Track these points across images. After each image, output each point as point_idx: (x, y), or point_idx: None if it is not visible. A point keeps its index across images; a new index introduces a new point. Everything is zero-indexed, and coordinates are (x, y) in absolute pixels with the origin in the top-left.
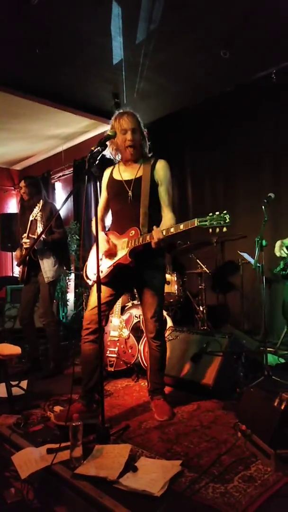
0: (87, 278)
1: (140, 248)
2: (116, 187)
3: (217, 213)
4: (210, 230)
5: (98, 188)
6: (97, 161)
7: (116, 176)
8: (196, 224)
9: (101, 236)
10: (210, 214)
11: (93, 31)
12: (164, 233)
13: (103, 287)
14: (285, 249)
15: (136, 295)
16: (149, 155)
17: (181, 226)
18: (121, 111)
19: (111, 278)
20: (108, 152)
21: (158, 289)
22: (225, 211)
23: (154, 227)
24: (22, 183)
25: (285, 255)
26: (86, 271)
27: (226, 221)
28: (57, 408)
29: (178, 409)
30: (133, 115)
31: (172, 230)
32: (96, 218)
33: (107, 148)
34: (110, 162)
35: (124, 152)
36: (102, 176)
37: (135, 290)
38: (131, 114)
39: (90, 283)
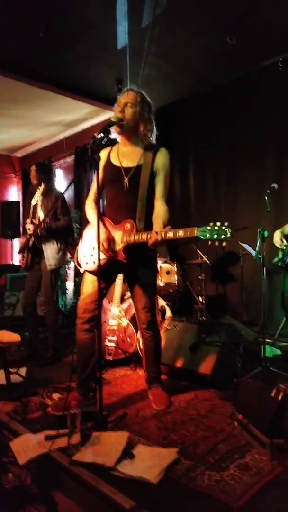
0: (79, 265)
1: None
2: (112, 172)
3: (218, 224)
4: (210, 242)
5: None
6: (100, 148)
7: (114, 160)
8: (195, 234)
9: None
10: (211, 224)
11: (97, 14)
12: (163, 236)
13: (95, 278)
14: (285, 240)
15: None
16: (151, 140)
17: (180, 233)
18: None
19: (103, 270)
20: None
21: (149, 280)
22: (226, 223)
23: (153, 230)
24: (33, 167)
25: (285, 247)
26: (77, 258)
27: (227, 236)
28: (56, 396)
29: (175, 398)
30: (137, 92)
31: (170, 234)
32: (98, 202)
33: (111, 131)
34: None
35: (117, 130)
36: None
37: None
38: (134, 91)
39: (81, 270)
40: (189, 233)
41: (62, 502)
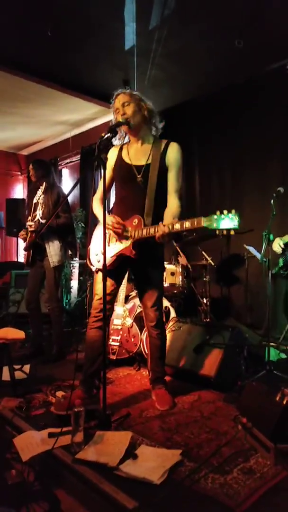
0: (91, 264)
1: (143, 240)
2: (124, 170)
3: (225, 212)
4: (217, 231)
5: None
6: (107, 148)
7: (125, 158)
8: (202, 224)
9: (109, 218)
10: (218, 213)
11: (105, 15)
12: (170, 228)
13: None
14: (281, 243)
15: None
16: (154, 133)
17: (187, 224)
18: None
19: (113, 268)
20: (117, 140)
21: (158, 279)
22: (233, 211)
23: (160, 223)
24: (31, 165)
25: (280, 251)
26: (89, 257)
27: (235, 224)
28: (59, 394)
29: (178, 399)
30: (124, 92)
31: (177, 226)
32: (105, 200)
33: (117, 131)
34: None
35: (127, 132)
36: None
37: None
38: (121, 92)
39: (93, 269)
40: (195, 223)
41: (64, 499)
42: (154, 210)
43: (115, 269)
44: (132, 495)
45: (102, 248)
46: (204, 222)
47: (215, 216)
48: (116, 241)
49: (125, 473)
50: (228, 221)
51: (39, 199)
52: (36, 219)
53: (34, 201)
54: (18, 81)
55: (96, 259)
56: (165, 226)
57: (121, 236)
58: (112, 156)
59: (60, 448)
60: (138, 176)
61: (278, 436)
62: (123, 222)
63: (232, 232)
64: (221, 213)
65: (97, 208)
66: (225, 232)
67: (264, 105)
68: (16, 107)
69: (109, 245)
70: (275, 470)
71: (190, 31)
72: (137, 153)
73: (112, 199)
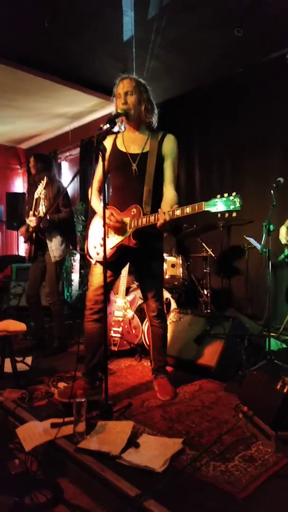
0: (90, 257)
1: (142, 228)
2: (119, 158)
3: (225, 195)
4: (219, 215)
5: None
6: (106, 139)
7: (120, 146)
8: (203, 208)
9: (107, 212)
10: (218, 196)
11: (103, 5)
12: (170, 215)
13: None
14: None
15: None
16: (154, 119)
17: (188, 209)
18: (121, 76)
19: (113, 260)
20: (116, 127)
21: (158, 270)
22: (234, 193)
23: (160, 210)
24: (32, 158)
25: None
26: (88, 249)
27: (237, 205)
28: (61, 385)
29: (180, 389)
30: (131, 78)
31: (177, 213)
32: (103, 191)
33: (117, 122)
34: None
35: (124, 120)
36: None
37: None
38: (127, 78)
39: (92, 262)
40: (196, 208)
41: (67, 488)
42: (153, 199)
43: (114, 262)
44: (134, 483)
45: (102, 240)
46: (205, 206)
47: (216, 200)
48: (115, 233)
49: (127, 462)
50: (229, 203)
51: (40, 194)
52: (40, 215)
53: (35, 196)
54: (16, 73)
55: (95, 252)
56: (165, 213)
57: (119, 232)
58: (108, 144)
59: (63, 438)
60: (133, 165)
61: (279, 424)
62: (121, 213)
63: (234, 214)
64: (222, 196)
65: (94, 201)
66: (227, 214)
67: (264, 95)
68: (15, 100)
69: (108, 237)
70: (276, 458)
71: (189, 21)
72: (133, 142)
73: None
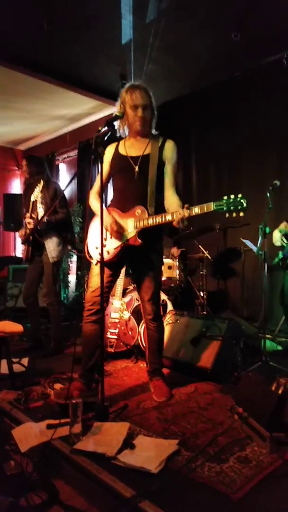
0: (90, 257)
1: (146, 229)
2: (121, 162)
3: (232, 196)
4: (227, 214)
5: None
6: (104, 142)
7: (122, 151)
8: (212, 208)
9: (105, 213)
10: (226, 197)
11: (102, 8)
12: (189, 212)
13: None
14: (284, 238)
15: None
16: (155, 132)
17: (198, 210)
18: (133, 83)
19: (116, 260)
20: (116, 127)
21: (156, 273)
22: (240, 195)
23: (179, 208)
24: (24, 162)
25: (286, 244)
26: (88, 250)
27: (244, 206)
28: (57, 386)
29: (176, 390)
30: (146, 90)
31: (196, 210)
32: (102, 194)
33: (115, 125)
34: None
35: (132, 127)
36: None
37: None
38: (143, 89)
39: (94, 262)
40: (205, 208)
41: (63, 489)
42: (156, 199)
43: (114, 263)
44: (129, 484)
45: (104, 241)
46: (214, 206)
47: (224, 200)
48: (115, 238)
49: (123, 463)
50: (237, 204)
51: (37, 197)
52: (39, 217)
53: (32, 199)
54: (15, 75)
55: (97, 252)
56: (184, 210)
57: (118, 237)
58: (109, 151)
59: (59, 439)
60: (135, 167)
61: (274, 425)
62: (123, 214)
63: (242, 214)
64: (229, 197)
65: (94, 202)
66: (234, 214)
67: (261, 99)
68: (13, 101)
69: (111, 237)
70: (271, 459)
71: (187, 24)
72: (133, 146)
73: (110, 196)
